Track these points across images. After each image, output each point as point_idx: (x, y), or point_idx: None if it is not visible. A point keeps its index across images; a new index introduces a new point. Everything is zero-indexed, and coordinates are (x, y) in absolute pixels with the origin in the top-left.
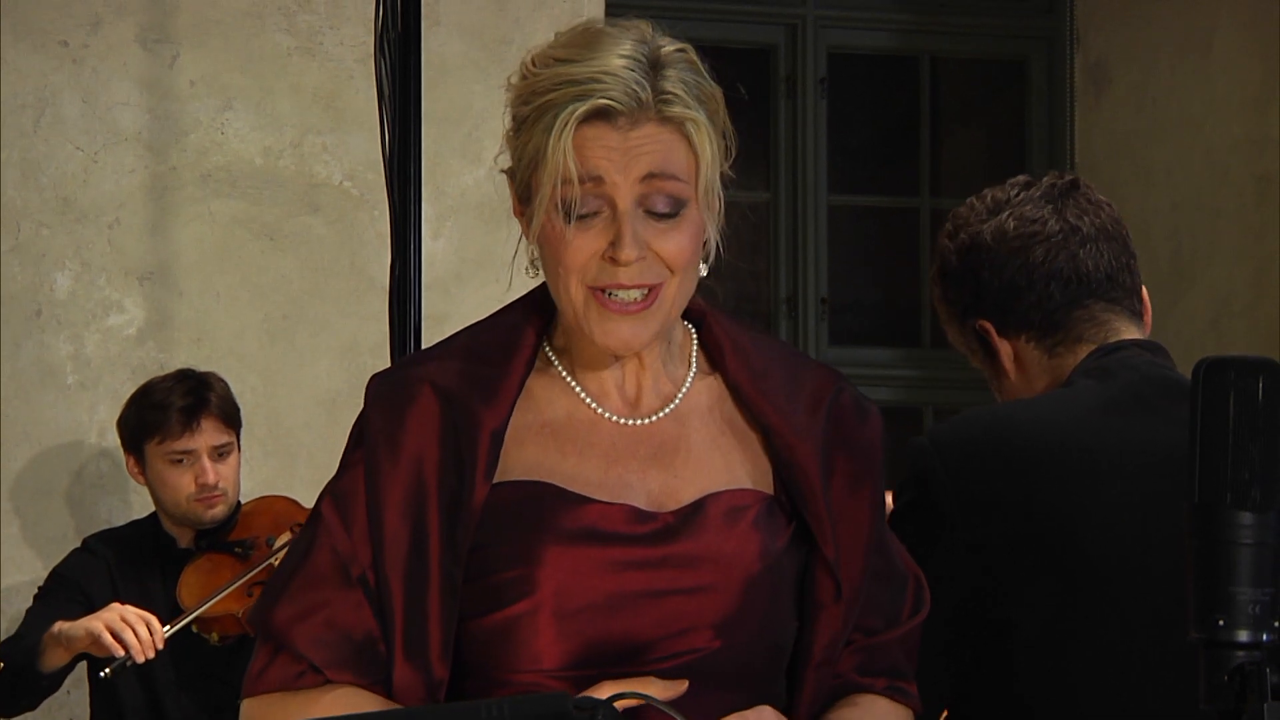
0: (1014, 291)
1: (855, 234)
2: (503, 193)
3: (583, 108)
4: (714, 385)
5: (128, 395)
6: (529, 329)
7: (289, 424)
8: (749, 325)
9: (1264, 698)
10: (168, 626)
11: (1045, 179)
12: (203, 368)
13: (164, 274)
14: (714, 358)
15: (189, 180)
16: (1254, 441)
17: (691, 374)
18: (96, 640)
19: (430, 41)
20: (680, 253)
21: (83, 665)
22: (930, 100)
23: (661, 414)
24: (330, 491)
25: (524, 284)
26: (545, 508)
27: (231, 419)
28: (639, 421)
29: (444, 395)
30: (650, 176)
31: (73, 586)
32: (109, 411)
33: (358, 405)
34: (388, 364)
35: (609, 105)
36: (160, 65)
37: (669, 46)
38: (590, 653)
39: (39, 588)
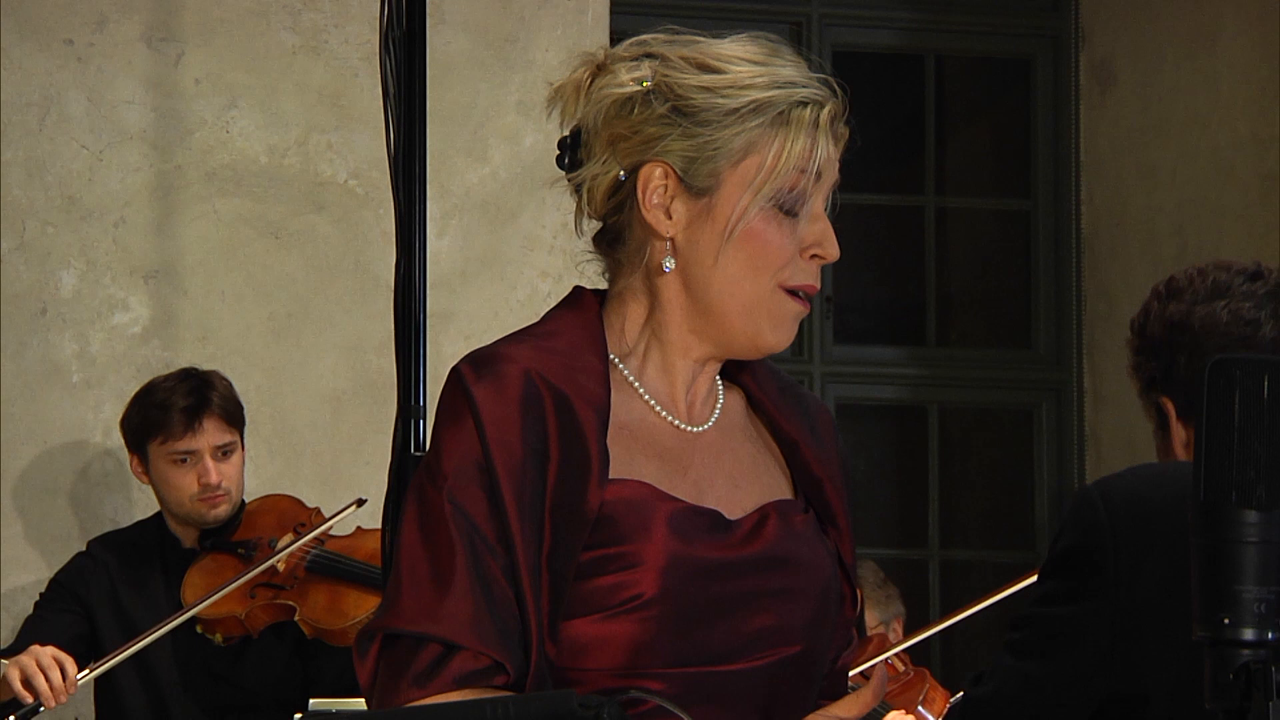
0: None
1: (860, 232)
2: (508, 191)
3: (828, 109)
4: (739, 399)
5: (133, 393)
6: (593, 333)
7: (294, 422)
8: None
9: (1269, 696)
10: (168, 622)
11: (1275, 273)
12: (207, 366)
13: (169, 272)
14: (729, 374)
15: (194, 179)
16: (1259, 440)
17: (720, 387)
18: (7, 685)
19: (435, 40)
20: None
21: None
22: (935, 98)
23: (709, 423)
24: (448, 483)
25: (528, 283)
26: (647, 509)
27: (234, 418)
28: (696, 429)
29: (551, 389)
30: (835, 185)
31: (69, 596)
32: (114, 410)
33: (363, 403)
34: (393, 363)
35: (837, 112)
36: (165, 64)
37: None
38: (690, 653)
39: (40, 594)
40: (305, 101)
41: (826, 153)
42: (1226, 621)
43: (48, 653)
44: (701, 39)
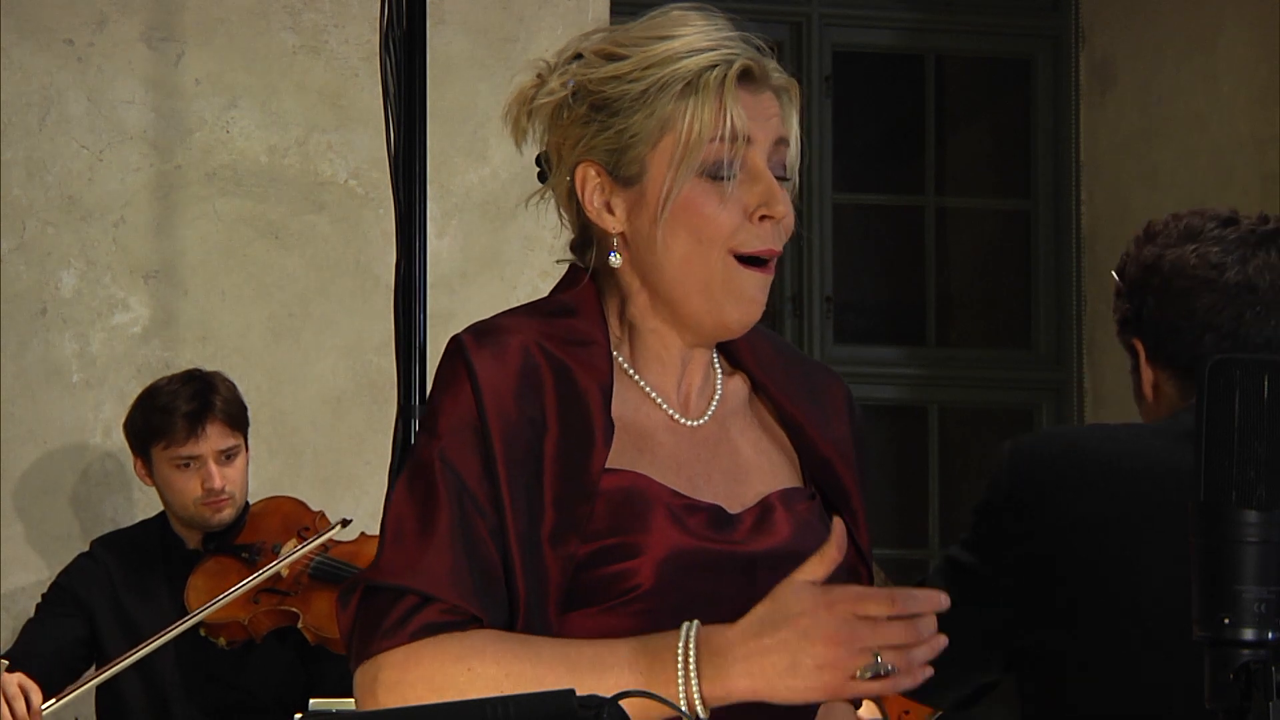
0: (1170, 330)
1: (860, 232)
2: (508, 191)
3: (736, 66)
4: (740, 384)
5: (133, 393)
6: (595, 311)
7: (294, 422)
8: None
9: (1269, 696)
10: (173, 628)
11: (1249, 220)
12: (208, 366)
13: (169, 272)
14: (732, 357)
15: (194, 179)
16: (1259, 440)
17: (720, 373)
18: None
19: (435, 40)
20: (792, 220)
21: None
22: (935, 99)
23: (708, 415)
24: (440, 444)
25: (528, 283)
26: (645, 500)
27: (237, 421)
28: (693, 423)
29: (552, 360)
30: (779, 141)
31: (70, 600)
32: (114, 410)
33: (363, 403)
34: (393, 363)
35: (751, 66)
36: (165, 63)
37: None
38: None
39: (42, 595)
40: (305, 101)
41: (739, 112)
42: (1226, 621)
43: (14, 680)
44: (618, 28)
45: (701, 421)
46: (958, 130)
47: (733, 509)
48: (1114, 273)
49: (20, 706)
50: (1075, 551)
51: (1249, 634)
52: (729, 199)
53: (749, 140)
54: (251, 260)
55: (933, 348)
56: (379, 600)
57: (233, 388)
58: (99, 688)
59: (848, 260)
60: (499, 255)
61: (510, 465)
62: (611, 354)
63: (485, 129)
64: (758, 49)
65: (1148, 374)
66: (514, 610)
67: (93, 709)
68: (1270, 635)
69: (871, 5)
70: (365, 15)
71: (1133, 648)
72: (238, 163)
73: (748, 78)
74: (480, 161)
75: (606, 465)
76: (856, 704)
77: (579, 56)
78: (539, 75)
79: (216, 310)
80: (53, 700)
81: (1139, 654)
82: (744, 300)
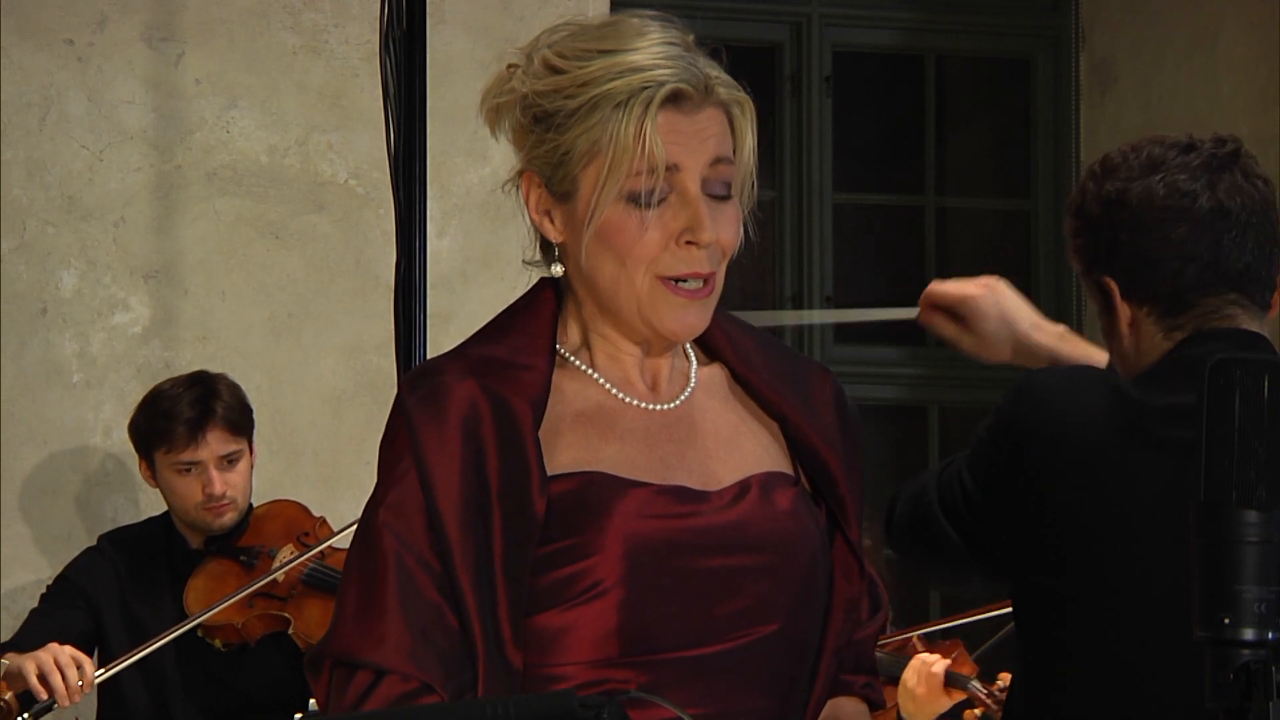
0: (1147, 263)
1: (860, 232)
2: (508, 190)
3: (661, 93)
4: (718, 374)
5: (133, 393)
6: (541, 331)
7: (294, 422)
8: (731, 315)
9: (1269, 696)
10: (172, 631)
11: (1208, 144)
12: (208, 366)
13: (169, 272)
14: (708, 348)
15: (194, 179)
16: (1259, 440)
17: (694, 364)
18: (25, 680)
19: (435, 40)
20: (734, 236)
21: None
22: (935, 98)
23: (681, 399)
24: (384, 507)
25: (528, 283)
26: (601, 497)
27: (240, 427)
28: (663, 407)
29: (488, 394)
30: (716, 161)
31: (76, 592)
32: (115, 410)
33: (363, 403)
34: (393, 362)
35: (682, 89)
36: (165, 64)
37: (689, 34)
38: (662, 639)
39: (46, 587)
40: (305, 101)
41: (658, 143)
42: (1227, 621)
43: (66, 651)
44: (568, 32)
45: (674, 405)
46: (958, 130)
47: (710, 486)
48: (1069, 211)
49: (73, 676)
50: (1064, 502)
51: (1249, 634)
52: (652, 224)
53: (675, 168)
54: (251, 260)
55: (933, 348)
56: (340, 674)
57: (237, 392)
58: (100, 685)
59: (848, 260)
60: (499, 255)
61: (462, 521)
62: (549, 372)
63: (485, 129)
64: (703, 65)
65: (1124, 311)
66: (474, 655)
67: (93, 707)
68: (1270, 635)
69: (871, 5)
70: (365, 15)
71: (1124, 614)
72: (238, 163)
73: (681, 99)
74: (480, 161)
75: (561, 471)
76: (872, 706)
77: (530, 60)
78: (509, 67)
79: (216, 310)
80: (101, 671)
81: (1130, 622)
82: (674, 320)
